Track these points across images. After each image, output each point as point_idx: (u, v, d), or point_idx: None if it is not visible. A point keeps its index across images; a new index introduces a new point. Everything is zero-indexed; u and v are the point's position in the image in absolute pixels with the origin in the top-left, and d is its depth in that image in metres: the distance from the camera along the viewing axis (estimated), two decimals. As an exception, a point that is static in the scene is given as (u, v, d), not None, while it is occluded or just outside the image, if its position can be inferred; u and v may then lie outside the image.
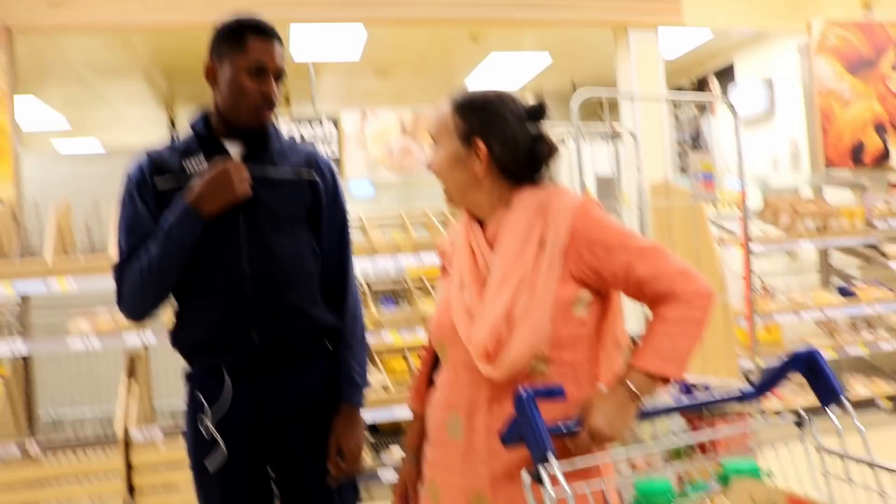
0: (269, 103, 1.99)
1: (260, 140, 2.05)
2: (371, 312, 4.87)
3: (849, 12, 6.63)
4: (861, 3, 6.71)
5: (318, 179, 2.10)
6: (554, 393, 1.42)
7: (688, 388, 3.01)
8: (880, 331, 5.70)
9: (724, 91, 8.52)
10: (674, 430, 3.21)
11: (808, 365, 1.59)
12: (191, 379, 2.07)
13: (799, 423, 1.62)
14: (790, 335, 6.06)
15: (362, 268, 4.84)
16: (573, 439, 1.49)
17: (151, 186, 1.99)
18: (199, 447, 2.01)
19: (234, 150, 2.03)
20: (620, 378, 1.55)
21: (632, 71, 6.08)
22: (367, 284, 5.24)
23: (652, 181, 5.58)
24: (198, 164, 2.00)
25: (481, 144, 1.65)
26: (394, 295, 5.34)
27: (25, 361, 4.57)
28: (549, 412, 1.40)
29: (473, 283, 1.64)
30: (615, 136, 6.85)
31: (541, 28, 6.54)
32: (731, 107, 4.15)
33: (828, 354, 5.59)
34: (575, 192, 1.71)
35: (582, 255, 1.59)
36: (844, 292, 5.63)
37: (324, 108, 8.73)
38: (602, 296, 1.66)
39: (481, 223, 1.72)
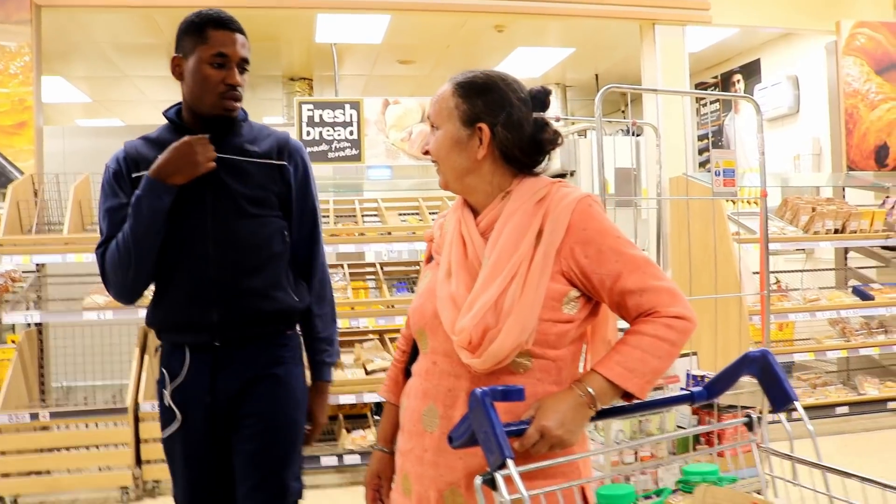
0: (232, 91, 2.05)
1: (229, 127, 2.11)
2: (384, 295, 4.89)
3: (880, 13, 6.54)
4: (893, 4, 6.62)
5: (287, 164, 2.15)
6: (511, 393, 1.34)
7: (698, 383, 2.99)
8: (894, 333, 5.64)
9: (749, 87, 8.45)
10: (682, 423, 3.20)
11: (760, 367, 1.54)
12: (160, 355, 2.18)
13: (748, 424, 1.59)
14: (803, 334, 6.02)
15: (377, 251, 4.86)
16: (520, 437, 1.42)
17: (128, 178, 2.07)
18: (162, 417, 2.14)
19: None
20: (580, 380, 1.50)
21: (657, 65, 6.05)
22: (381, 268, 5.26)
23: (671, 175, 5.56)
24: None
25: (485, 128, 1.60)
26: (407, 279, 5.35)
27: (39, 331, 4.63)
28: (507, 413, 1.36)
29: (462, 272, 1.59)
30: (637, 130, 6.82)
31: (568, 20, 6.51)
32: (756, 104, 4.11)
33: (840, 354, 5.55)
34: (576, 187, 1.65)
35: (574, 252, 1.54)
36: (860, 293, 5.57)
37: (345, 95, 8.75)
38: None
39: (475, 212, 1.67)
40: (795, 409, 1.52)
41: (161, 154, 2.00)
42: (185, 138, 2.00)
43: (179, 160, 1.98)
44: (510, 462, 1.23)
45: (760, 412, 1.59)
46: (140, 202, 1.99)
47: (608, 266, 1.53)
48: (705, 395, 1.61)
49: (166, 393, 2.09)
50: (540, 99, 1.66)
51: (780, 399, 1.54)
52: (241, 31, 2.08)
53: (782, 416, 1.55)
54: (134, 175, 2.07)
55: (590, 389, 1.47)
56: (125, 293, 2.11)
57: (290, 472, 2.14)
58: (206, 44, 2.03)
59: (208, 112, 2.06)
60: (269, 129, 2.22)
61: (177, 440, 2.11)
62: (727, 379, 1.58)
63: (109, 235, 2.07)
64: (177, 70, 2.10)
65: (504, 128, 1.60)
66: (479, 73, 1.66)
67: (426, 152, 1.69)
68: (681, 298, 1.53)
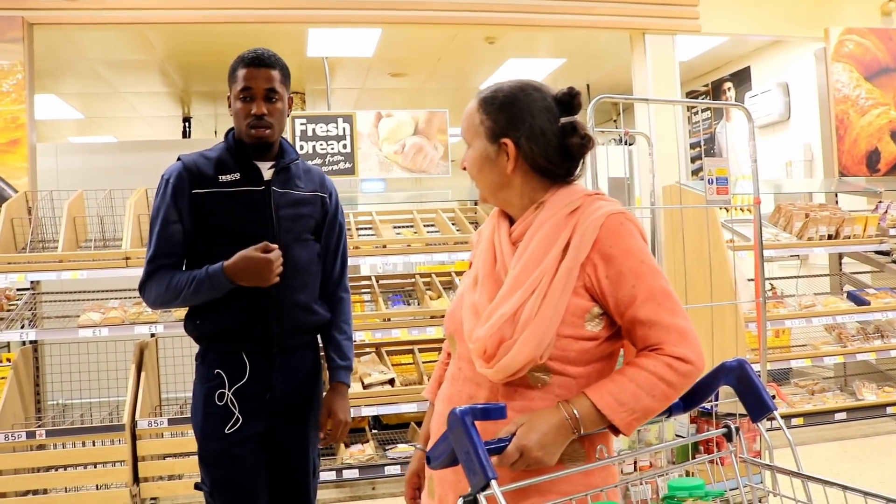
0: (258, 120, 2.30)
1: (280, 158, 2.40)
2: (380, 308, 4.88)
3: (867, 19, 6.59)
4: (880, 10, 6.68)
5: (326, 197, 2.50)
6: (492, 411, 1.30)
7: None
8: (891, 338, 5.65)
9: (740, 95, 8.49)
10: (680, 432, 3.20)
11: (737, 376, 1.52)
12: (207, 360, 2.36)
13: (727, 435, 1.56)
14: (800, 340, 6.03)
15: (372, 264, 4.86)
16: (500, 455, 1.40)
17: (188, 194, 2.30)
18: (215, 417, 2.31)
19: (265, 169, 2.36)
20: (569, 401, 1.46)
21: (648, 75, 6.08)
22: (377, 281, 5.25)
23: (664, 184, 5.59)
24: (233, 180, 2.33)
25: (510, 143, 1.58)
26: (403, 292, 5.35)
27: (35, 348, 4.61)
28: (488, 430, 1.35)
29: (488, 281, 1.59)
30: (630, 140, 6.85)
31: (558, 31, 6.54)
32: (747, 112, 4.13)
33: (837, 360, 5.56)
34: (613, 200, 1.60)
35: (597, 270, 1.50)
36: (855, 298, 5.59)
37: (338, 108, 8.77)
38: None
39: (512, 221, 1.65)
40: (775, 419, 1.51)
41: (241, 256, 2.22)
42: (266, 256, 2.22)
43: (254, 273, 2.23)
44: (494, 483, 1.20)
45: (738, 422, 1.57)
46: (202, 285, 2.25)
47: (624, 290, 1.49)
48: (681, 407, 1.57)
49: (227, 394, 2.31)
50: (566, 102, 1.62)
51: (758, 409, 1.52)
52: (270, 65, 2.33)
53: (760, 425, 1.53)
54: (195, 191, 2.30)
55: (576, 412, 1.43)
56: (157, 309, 2.54)
57: (314, 448, 2.49)
58: (236, 82, 2.31)
59: (245, 140, 2.34)
60: (306, 163, 2.53)
61: (233, 435, 2.30)
62: (704, 390, 1.54)
63: (159, 253, 2.30)
64: (230, 106, 2.40)
65: (528, 140, 1.58)
66: (503, 86, 1.64)
67: (465, 168, 1.69)
68: (691, 340, 1.47)
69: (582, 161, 1.64)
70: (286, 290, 2.33)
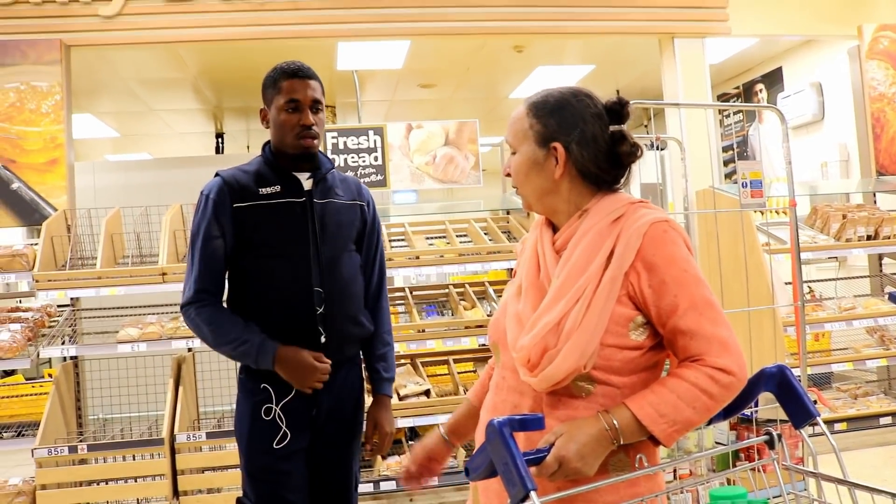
0: (307, 130, 2.31)
1: (310, 160, 2.37)
2: (414, 320, 4.89)
3: (902, 16, 6.49)
4: (915, 5, 6.56)
5: (364, 205, 2.49)
6: (530, 422, 1.30)
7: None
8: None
9: (772, 96, 8.39)
10: (720, 440, 3.16)
11: (777, 383, 1.50)
12: (252, 374, 2.34)
13: (769, 442, 1.54)
14: (840, 343, 5.92)
15: (405, 276, 4.87)
16: (538, 466, 1.38)
17: (229, 208, 2.29)
18: (262, 432, 2.30)
19: (305, 180, 2.36)
20: (608, 411, 1.45)
21: (678, 79, 6.03)
22: (410, 292, 5.26)
23: (698, 188, 5.53)
24: (274, 192, 2.32)
25: (560, 147, 1.58)
26: (437, 303, 5.35)
27: (75, 364, 4.69)
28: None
29: (531, 291, 1.58)
30: (662, 145, 6.80)
31: (586, 38, 6.53)
32: (780, 113, 4.08)
33: (879, 363, 5.45)
34: (657, 208, 1.58)
35: (640, 279, 1.49)
36: (897, 300, 5.48)
37: (369, 120, 8.82)
38: None
39: (555, 229, 1.65)
40: (818, 425, 1.48)
41: (297, 354, 2.24)
42: (318, 365, 2.25)
43: (299, 373, 2.24)
44: (533, 494, 1.20)
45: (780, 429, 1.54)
46: (247, 355, 2.25)
47: (667, 299, 1.47)
48: (721, 415, 1.54)
49: (275, 409, 2.29)
50: (616, 111, 1.62)
51: (800, 415, 1.50)
52: (312, 77, 2.34)
53: (803, 432, 1.51)
54: (236, 205, 2.29)
55: (615, 423, 1.42)
56: None
57: (356, 463, 2.48)
58: (281, 93, 2.30)
59: (291, 151, 2.33)
60: (341, 173, 2.52)
61: (281, 450, 2.29)
62: (744, 397, 1.52)
63: (204, 274, 2.28)
64: (264, 119, 2.39)
65: (578, 145, 1.58)
66: (553, 92, 1.64)
67: (508, 174, 1.69)
68: (733, 351, 1.44)
69: (629, 170, 1.64)
70: (333, 303, 2.32)
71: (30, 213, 5.01)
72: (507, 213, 5.68)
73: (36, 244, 4.59)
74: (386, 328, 2.54)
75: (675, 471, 2.76)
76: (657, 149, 6.80)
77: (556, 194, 1.61)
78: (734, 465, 2.65)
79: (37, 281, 4.27)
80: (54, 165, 5.07)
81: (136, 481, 4.22)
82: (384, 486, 4.41)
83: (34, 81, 5.10)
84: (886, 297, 5.61)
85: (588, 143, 1.58)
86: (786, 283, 4.95)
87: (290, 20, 5.47)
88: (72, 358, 4.63)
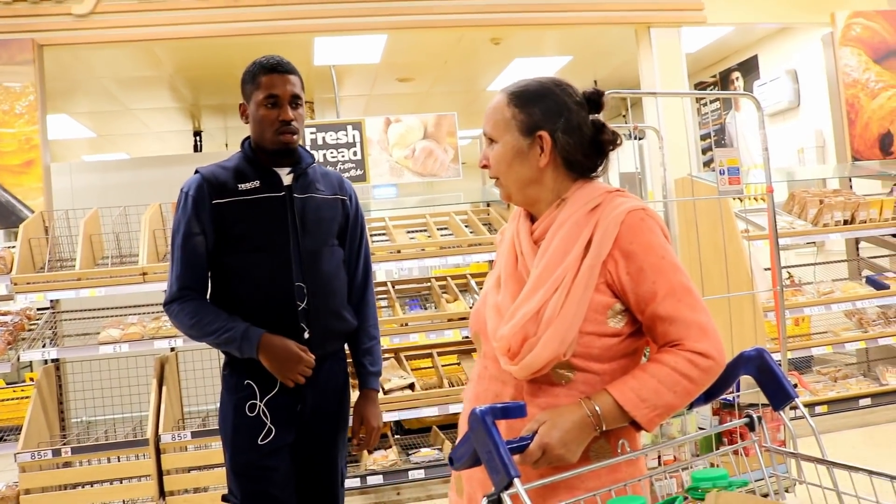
0: (286, 126, 2.29)
1: (289, 156, 2.35)
2: (397, 314, 4.89)
3: (874, 2, 6.55)
4: (887, -9, 6.63)
5: (346, 199, 2.46)
6: (512, 411, 1.31)
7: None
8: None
9: (748, 84, 8.45)
10: (703, 424, 3.19)
11: (757, 366, 1.52)
12: (236, 370, 2.33)
13: (749, 425, 1.56)
14: (820, 327, 5.98)
15: (387, 270, 4.87)
16: (522, 454, 1.40)
17: (209, 204, 2.27)
18: (246, 429, 2.29)
19: (285, 175, 2.34)
20: (590, 397, 1.46)
21: (655, 68, 6.06)
22: (393, 286, 5.26)
23: (676, 177, 5.57)
24: (253, 187, 2.31)
25: (546, 136, 1.57)
26: (419, 296, 5.36)
27: (57, 367, 4.65)
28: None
29: (510, 281, 1.59)
30: (640, 134, 6.83)
31: (563, 29, 6.54)
32: (756, 101, 4.12)
33: (858, 346, 5.52)
34: (634, 197, 1.59)
35: (618, 267, 1.50)
36: (874, 283, 5.55)
37: (347, 115, 8.80)
38: None
39: (533, 220, 1.65)
40: (798, 408, 1.50)
41: (282, 343, 2.23)
42: (304, 357, 2.24)
43: (283, 363, 2.23)
44: (517, 481, 1.20)
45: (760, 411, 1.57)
46: (231, 342, 2.23)
47: (645, 286, 1.48)
48: (703, 399, 1.56)
49: (259, 405, 2.28)
50: (594, 100, 1.63)
51: (778, 397, 1.52)
52: (291, 72, 2.33)
53: (783, 414, 1.53)
54: (215, 202, 2.27)
55: (597, 408, 1.44)
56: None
57: (342, 458, 2.48)
58: (260, 88, 2.29)
59: (271, 147, 2.31)
60: (322, 167, 2.50)
61: (266, 446, 2.28)
62: (724, 380, 1.54)
63: (185, 270, 2.28)
64: (243, 115, 2.38)
65: (564, 133, 1.58)
66: (533, 81, 1.63)
67: (485, 166, 1.67)
68: (711, 335, 1.47)
69: (607, 158, 1.64)
70: (316, 298, 2.31)
71: (6, 216, 4.96)
72: (488, 205, 5.69)
73: (13, 247, 4.55)
74: (372, 322, 2.52)
75: (659, 457, 2.78)
76: (635, 138, 6.84)
77: (539, 184, 1.61)
78: (717, 449, 2.68)
79: (15, 284, 4.23)
80: (30, 167, 5.02)
81: (121, 483, 4.20)
82: (371, 480, 4.42)
83: (7, 82, 5.05)
84: (864, 280, 5.68)
85: (574, 130, 1.58)
86: (765, 269, 5.00)
87: (265, 16, 5.44)
88: (53, 361, 4.59)
